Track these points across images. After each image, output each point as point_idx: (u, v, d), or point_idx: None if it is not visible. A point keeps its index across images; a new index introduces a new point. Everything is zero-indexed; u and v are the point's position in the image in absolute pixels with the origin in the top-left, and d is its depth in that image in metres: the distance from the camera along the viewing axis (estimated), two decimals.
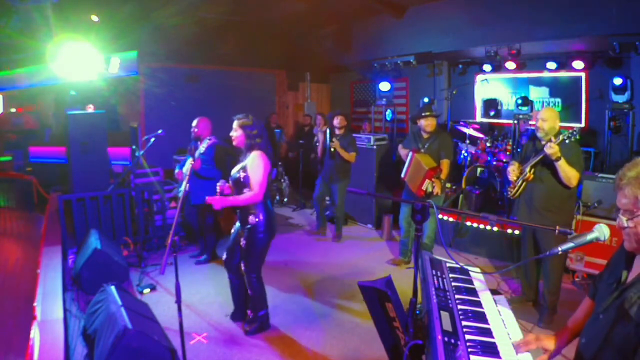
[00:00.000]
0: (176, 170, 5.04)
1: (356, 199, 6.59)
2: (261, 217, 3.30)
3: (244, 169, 3.30)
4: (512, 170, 3.69)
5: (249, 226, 3.31)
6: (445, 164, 4.50)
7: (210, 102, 8.64)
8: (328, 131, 5.78)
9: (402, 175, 4.73)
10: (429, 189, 4.36)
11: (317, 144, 6.08)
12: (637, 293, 1.33)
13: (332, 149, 5.61)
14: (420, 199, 4.42)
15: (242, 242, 3.35)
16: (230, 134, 3.40)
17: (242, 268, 3.42)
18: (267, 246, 3.43)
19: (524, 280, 3.94)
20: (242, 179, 3.28)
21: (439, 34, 7.34)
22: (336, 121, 5.70)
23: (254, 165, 3.27)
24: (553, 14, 5.86)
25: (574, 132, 3.30)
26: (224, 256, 3.57)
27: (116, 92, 7.99)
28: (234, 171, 3.37)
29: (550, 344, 1.64)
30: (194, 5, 7.08)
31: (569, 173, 3.34)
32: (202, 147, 4.71)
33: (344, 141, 5.64)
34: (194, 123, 4.84)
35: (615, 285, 1.45)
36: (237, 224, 3.48)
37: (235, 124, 3.38)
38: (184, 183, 4.97)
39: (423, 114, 4.67)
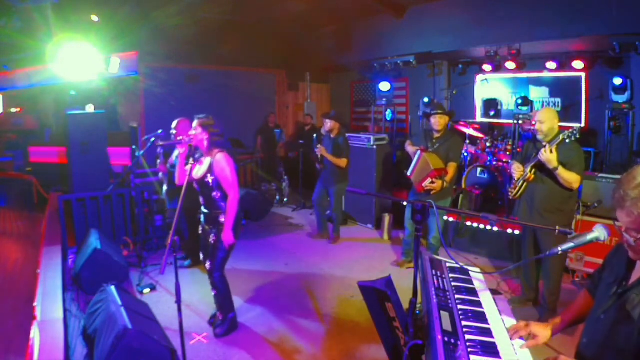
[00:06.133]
0: (158, 162, 4.95)
1: (356, 199, 6.58)
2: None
3: (210, 172, 3.26)
4: (517, 168, 3.66)
5: (218, 222, 3.30)
6: (452, 167, 4.45)
7: (210, 102, 8.64)
8: (315, 136, 5.82)
9: (409, 174, 4.66)
10: (427, 186, 4.36)
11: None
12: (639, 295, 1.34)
13: (319, 155, 5.63)
14: (421, 196, 4.44)
15: (212, 238, 3.33)
16: (189, 132, 3.31)
17: (207, 267, 3.41)
18: (234, 243, 3.41)
19: (524, 280, 3.94)
20: (210, 183, 3.27)
21: (439, 34, 7.34)
22: (326, 126, 5.66)
23: (223, 169, 3.25)
24: (553, 14, 5.85)
25: (574, 132, 3.29)
26: (202, 257, 3.57)
27: (116, 92, 7.99)
28: (197, 172, 3.32)
29: (539, 330, 1.65)
30: (194, 5, 7.08)
31: (569, 179, 3.32)
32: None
33: (332, 144, 5.57)
34: (174, 124, 4.75)
35: (617, 286, 1.45)
36: (203, 222, 3.46)
37: (195, 123, 3.31)
38: (165, 186, 4.98)
39: (433, 112, 4.60)
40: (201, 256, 3.58)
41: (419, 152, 4.57)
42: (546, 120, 3.46)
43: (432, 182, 4.34)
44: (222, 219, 3.30)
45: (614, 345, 1.37)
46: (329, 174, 5.66)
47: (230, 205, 3.26)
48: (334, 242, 5.83)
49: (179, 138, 3.32)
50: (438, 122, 4.53)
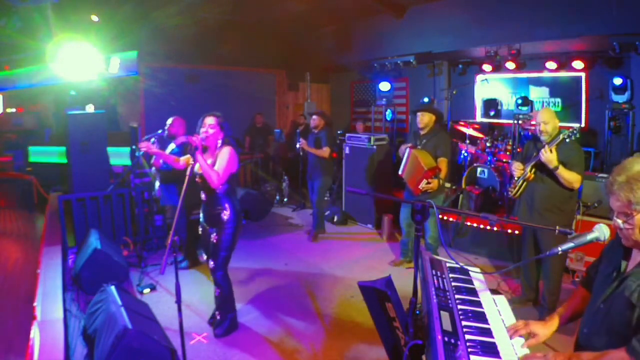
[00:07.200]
0: (153, 158, 4.95)
1: (356, 199, 6.59)
2: (231, 212, 3.31)
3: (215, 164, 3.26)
4: (517, 167, 3.67)
5: (220, 220, 3.30)
6: (442, 162, 4.47)
7: (210, 102, 8.62)
8: (298, 132, 6.13)
9: (400, 172, 4.74)
10: (424, 187, 4.38)
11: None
12: (637, 281, 1.40)
13: (301, 152, 5.92)
14: (417, 197, 4.43)
15: (214, 237, 3.32)
16: (206, 130, 3.26)
17: (210, 266, 3.41)
18: (236, 241, 3.41)
19: (524, 280, 3.94)
20: None
21: (439, 34, 7.34)
22: (312, 123, 5.88)
23: (225, 156, 3.23)
24: (553, 14, 5.85)
25: (574, 131, 3.30)
26: (204, 257, 3.55)
27: (116, 92, 8.00)
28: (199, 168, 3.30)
29: (539, 328, 1.67)
30: (194, 5, 7.09)
31: (569, 178, 3.33)
32: (174, 145, 4.59)
33: (314, 139, 5.74)
34: (169, 122, 4.80)
35: (615, 275, 1.50)
36: (202, 221, 3.45)
37: (212, 121, 3.27)
38: (157, 182, 4.96)
39: (417, 110, 4.76)
40: (203, 256, 3.57)
41: (407, 149, 4.65)
42: (549, 121, 3.47)
43: (428, 183, 4.36)
44: (224, 216, 3.29)
45: (615, 332, 1.42)
46: (312, 167, 5.84)
47: (212, 172, 3.15)
48: (314, 239, 5.85)
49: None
50: (420, 119, 4.65)
